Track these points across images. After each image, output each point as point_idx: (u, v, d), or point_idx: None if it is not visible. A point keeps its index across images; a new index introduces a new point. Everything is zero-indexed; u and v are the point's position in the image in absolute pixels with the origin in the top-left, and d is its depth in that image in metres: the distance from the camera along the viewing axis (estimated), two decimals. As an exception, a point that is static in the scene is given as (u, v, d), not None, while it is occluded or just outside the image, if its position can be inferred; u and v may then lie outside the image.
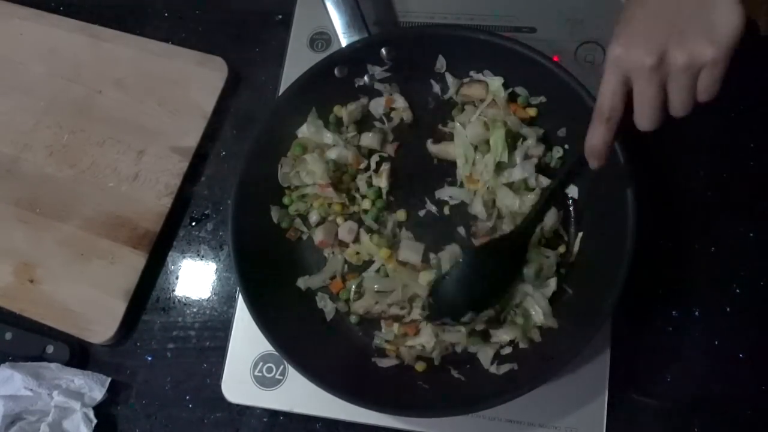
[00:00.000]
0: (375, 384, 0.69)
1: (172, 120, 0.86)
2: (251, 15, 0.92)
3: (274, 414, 0.75)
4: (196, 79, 0.87)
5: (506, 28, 0.81)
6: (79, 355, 0.79)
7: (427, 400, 0.68)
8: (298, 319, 0.73)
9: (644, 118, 0.52)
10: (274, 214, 0.75)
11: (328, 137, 0.76)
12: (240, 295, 0.73)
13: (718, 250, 0.76)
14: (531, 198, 0.71)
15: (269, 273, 0.73)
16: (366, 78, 0.78)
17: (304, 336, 0.71)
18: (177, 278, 0.83)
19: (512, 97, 0.76)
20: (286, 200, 0.76)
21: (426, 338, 0.69)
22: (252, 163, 0.73)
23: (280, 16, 0.90)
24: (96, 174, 0.85)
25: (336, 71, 0.76)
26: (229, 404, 0.74)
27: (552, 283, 0.69)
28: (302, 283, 0.75)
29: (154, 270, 0.82)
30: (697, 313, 0.74)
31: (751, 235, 0.76)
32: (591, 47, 0.79)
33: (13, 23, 0.94)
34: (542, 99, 0.75)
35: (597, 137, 0.55)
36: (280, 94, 0.77)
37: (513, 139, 0.74)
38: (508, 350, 0.69)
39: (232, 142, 0.87)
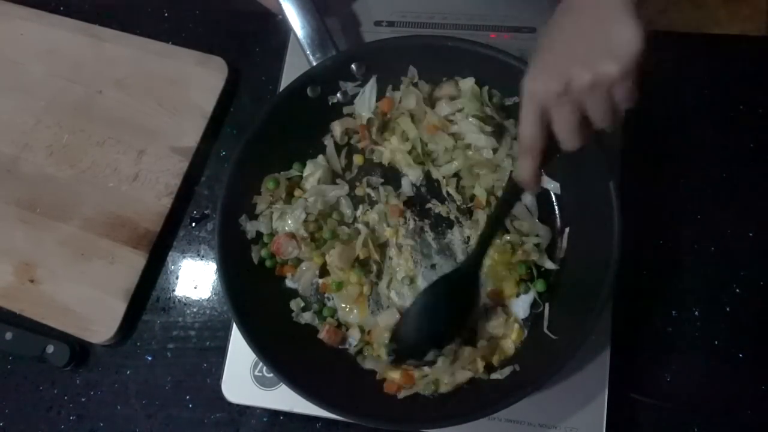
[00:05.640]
0: (376, 396, 0.69)
1: (172, 120, 0.86)
2: (251, 15, 0.91)
3: (274, 414, 0.75)
4: (196, 79, 0.87)
5: (506, 28, 0.81)
6: (79, 355, 0.80)
7: (429, 409, 0.68)
8: (294, 339, 0.73)
9: (566, 140, 0.54)
10: (255, 255, 0.74)
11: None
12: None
13: (718, 250, 0.76)
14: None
15: (260, 296, 0.73)
16: (339, 95, 0.78)
17: (302, 358, 0.71)
18: (177, 278, 0.83)
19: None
20: (263, 253, 0.75)
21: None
22: (231, 195, 0.72)
23: (280, 16, 0.90)
24: (96, 174, 0.85)
25: (308, 91, 0.76)
26: (229, 404, 0.74)
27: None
28: (295, 305, 0.75)
29: (154, 270, 0.82)
30: (697, 313, 0.74)
31: (751, 235, 0.76)
32: (591, 47, 0.79)
33: (13, 23, 0.94)
34: (516, 99, 0.75)
35: (524, 168, 0.57)
36: (252, 122, 0.74)
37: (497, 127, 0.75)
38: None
39: (232, 142, 0.87)
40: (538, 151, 0.55)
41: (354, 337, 0.73)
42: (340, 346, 0.73)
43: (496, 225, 0.68)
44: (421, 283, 0.73)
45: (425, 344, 0.67)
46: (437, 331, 0.68)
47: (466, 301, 0.68)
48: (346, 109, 0.79)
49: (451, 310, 0.68)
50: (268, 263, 0.75)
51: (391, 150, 0.77)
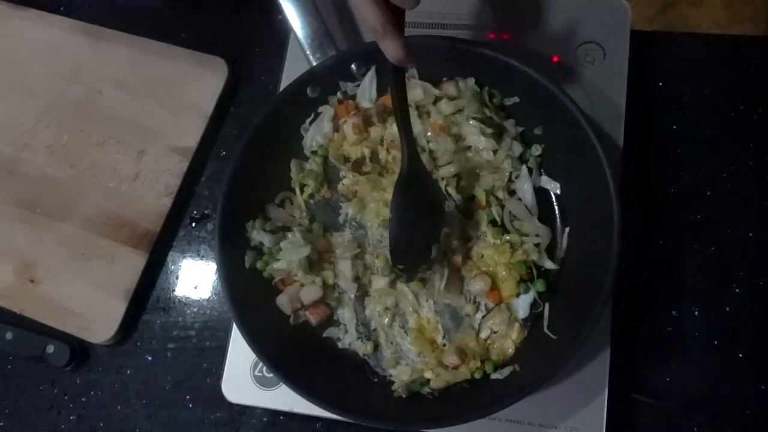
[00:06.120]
0: (376, 396, 0.69)
1: (172, 120, 0.86)
2: (251, 15, 0.92)
3: (274, 414, 0.75)
4: (196, 79, 0.87)
5: (506, 28, 0.81)
6: (79, 355, 0.80)
7: (429, 409, 0.68)
8: (293, 339, 0.73)
9: (403, 2, 0.57)
10: (248, 260, 0.74)
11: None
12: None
13: (718, 250, 0.76)
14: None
15: (260, 296, 0.73)
16: (339, 95, 0.78)
17: (302, 358, 0.71)
18: (177, 278, 0.83)
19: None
20: (259, 264, 0.74)
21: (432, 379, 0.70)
22: (231, 196, 0.72)
23: (280, 16, 0.90)
24: (96, 174, 0.85)
25: (308, 91, 0.76)
26: (229, 404, 0.74)
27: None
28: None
29: (154, 270, 0.82)
30: (697, 313, 0.74)
31: (751, 235, 0.76)
32: (591, 47, 0.79)
33: (13, 23, 0.94)
34: (516, 99, 0.75)
35: (391, 48, 0.59)
36: (252, 122, 0.74)
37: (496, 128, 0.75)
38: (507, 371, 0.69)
39: (232, 142, 0.87)
40: (390, 26, 0.58)
41: (342, 319, 0.74)
42: (340, 346, 0.73)
43: (405, 115, 0.67)
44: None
45: (424, 248, 0.69)
46: (425, 232, 0.69)
47: (427, 188, 0.70)
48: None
49: (423, 205, 0.69)
50: (266, 274, 0.74)
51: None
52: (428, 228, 0.69)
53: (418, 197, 0.69)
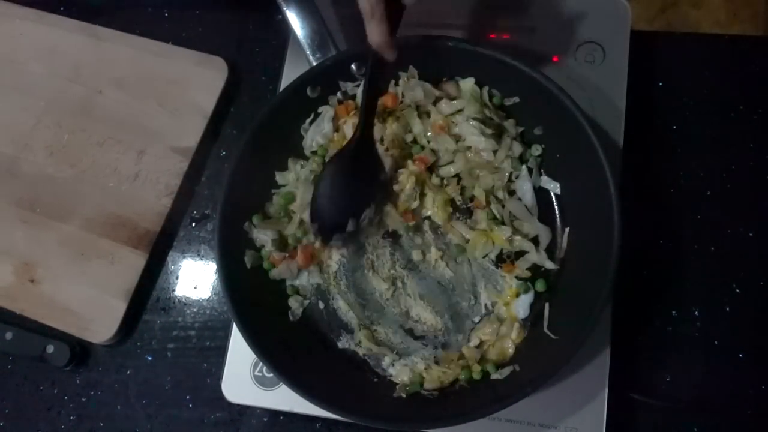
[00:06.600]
0: (376, 396, 0.70)
1: (172, 120, 0.86)
2: (251, 15, 0.92)
3: (274, 414, 0.75)
4: (196, 79, 0.87)
5: (506, 28, 0.81)
6: (79, 355, 0.80)
7: (429, 409, 0.68)
8: (294, 339, 0.73)
9: None
10: (248, 260, 0.74)
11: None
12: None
13: (718, 250, 0.76)
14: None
15: (260, 296, 0.73)
16: (339, 95, 0.78)
17: (302, 358, 0.71)
18: (177, 278, 0.83)
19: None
20: (266, 264, 0.74)
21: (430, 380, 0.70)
22: (231, 196, 0.72)
23: (280, 16, 0.90)
24: (96, 174, 0.85)
25: (308, 91, 0.76)
26: (229, 404, 0.74)
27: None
28: (294, 302, 0.75)
29: (154, 270, 0.82)
30: (697, 313, 0.74)
31: (751, 235, 0.76)
32: (591, 47, 0.79)
33: (13, 23, 0.94)
34: (516, 99, 0.75)
35: (375, 33, 0.61)
36: (252, 122, 0.74)
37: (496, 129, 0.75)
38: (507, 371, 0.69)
39: (232, 142, 0.87)
40: (379, 10, 0.60)
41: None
42: (340, 346, 0.73)
43: (371, 96, 0.69)
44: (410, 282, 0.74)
45: (342, 217, 0.71)
46: (349, 202, 0.71)
47: (367, 168, 0.72)
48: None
49: (356, 180, 0.71)
50: (271, 275, 0.74)
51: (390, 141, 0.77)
52: (354, 201, 0.71)
53: (356, 170, 0.71)
